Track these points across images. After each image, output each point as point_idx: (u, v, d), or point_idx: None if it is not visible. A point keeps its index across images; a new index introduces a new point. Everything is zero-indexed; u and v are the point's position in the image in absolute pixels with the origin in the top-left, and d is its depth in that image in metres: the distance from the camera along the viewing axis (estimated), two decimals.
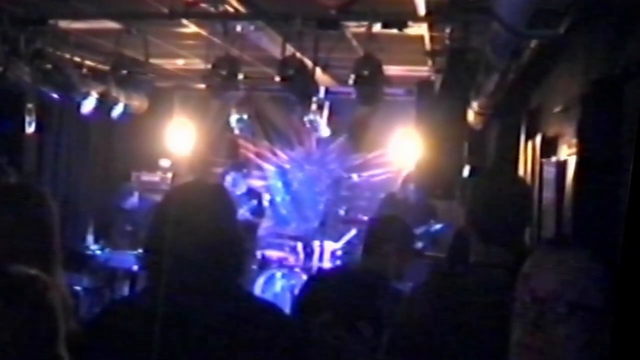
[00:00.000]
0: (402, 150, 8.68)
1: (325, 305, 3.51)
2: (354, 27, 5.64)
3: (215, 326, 2.15)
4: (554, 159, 5.05)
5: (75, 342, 2.10)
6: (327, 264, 9.13)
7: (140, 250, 8.10)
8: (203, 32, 6.11)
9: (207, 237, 2.20)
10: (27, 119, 7.65)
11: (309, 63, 5.85)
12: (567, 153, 4.52)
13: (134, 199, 9.08)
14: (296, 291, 8.67)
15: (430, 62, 6.76)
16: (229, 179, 9.26)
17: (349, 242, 9.59)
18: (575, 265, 1.64)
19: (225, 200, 2.37)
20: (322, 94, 7.95)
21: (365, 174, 10.64)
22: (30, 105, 7.65)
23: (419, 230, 7.17)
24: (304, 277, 8.82)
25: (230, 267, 2.24)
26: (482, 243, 2.54)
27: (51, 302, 1.91)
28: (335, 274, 4.67)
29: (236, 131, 9.93)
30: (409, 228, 4.10)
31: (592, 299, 1.59)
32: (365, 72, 5.46)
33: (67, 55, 6.54)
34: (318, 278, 4.61)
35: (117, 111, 7.15)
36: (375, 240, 3.84)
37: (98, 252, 8.49)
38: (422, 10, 5.09)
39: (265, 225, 9.98)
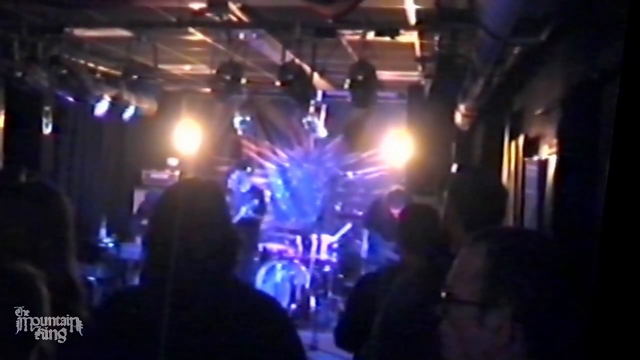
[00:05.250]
0: (394, 149, 8.66)
1: None
2: (349, 35, 5.63)
3: (210, 314, 2.13)
4: (535, 158, 5.04)
5: (86, 331, 2.08)
6: (324, 256, 9.15)
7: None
8: (208, 40, 6.10)
9: (200, 230, 2.19)
10: (44, 120, 7.64)
11: (307, 68, 5.85)
12: (548, 152, 4.51)
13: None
14: (295, 281, 8.75)
15: (420, 68, 6.75)
16: (234, 177, 9.25)
17: (344, 236, 9.61)
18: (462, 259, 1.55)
19: (217, 196, 2.36)
20: (319, 97, 7.95)
21: (359, 172, 10.64)
22: (47, 108, 7.63)
23: None
24: (303, 268, 8.84)
25: (223, 257, 2.22)
26: (466, 232, 2.56)
27: (38, 295, 1.90)
28: None
29: (239, 132, 9.90)
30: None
31: (467, 293, 1.47)
32: (360, 77, 5.45)
33: (82, 61, 6.54)
34: None
35: (128, 113, 7.13)
36: None
37: (110, 244, 8.50)
38: (412, 19, 5.09)
39: (266, 220, 9.99)
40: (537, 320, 1.42)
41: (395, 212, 7.80)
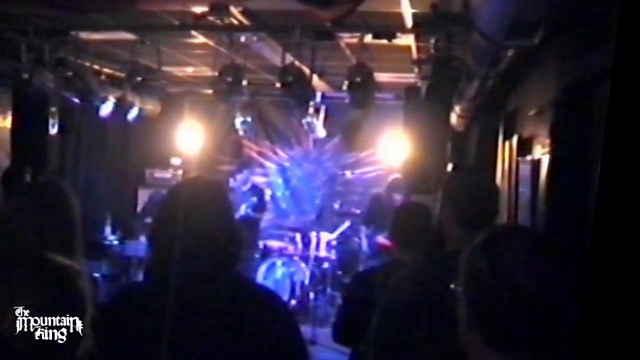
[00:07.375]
0: (391, 149, 8.67)
1: None
2: (347, 38, 5.63)
3: (213, 309, 2.13)
4: (529, 157, 5.04)
5: (93, 325, 2.09)
6: (322, 253, 9.15)
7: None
8: (210, 43, 6.10)
9: (204, 227, 2.19)
10: (51, 121, 7.65)
11: (306, 70, 5.84)
12: (541, 152, 4.52)
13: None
14: (295, 278, 8.75)
15: (416, 70, 6.74)
16: (239, 177, 9.27)
17: (342, 233, 9.61)
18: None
19: (221, 194, 2.36)
20: (318, 98, 7.95)
21: (357, 171, 10.65)
22: (53, 109, 7.64)
23: None
24: (302, 265, 8.85)
25: (226, 254, 2.22)
26: (460, 230, 2.57)
27: (81, 289, 1.90)
28: None
29: (240, 132, 9.92)
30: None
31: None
32: (358, 79, 5.45)
33: (87, 64, 6.53)
34: None
35: (132, 114, 7.14)
36: None
37: (115, 242, 8.50)
38: (409, 22, 5.08)
39: (267, 218, 9.99)
40: (490, 316, 1.51)
41: (398, 197, 7.81)
